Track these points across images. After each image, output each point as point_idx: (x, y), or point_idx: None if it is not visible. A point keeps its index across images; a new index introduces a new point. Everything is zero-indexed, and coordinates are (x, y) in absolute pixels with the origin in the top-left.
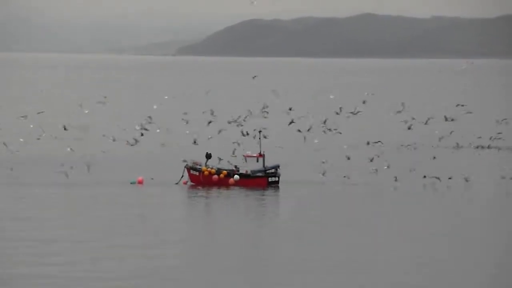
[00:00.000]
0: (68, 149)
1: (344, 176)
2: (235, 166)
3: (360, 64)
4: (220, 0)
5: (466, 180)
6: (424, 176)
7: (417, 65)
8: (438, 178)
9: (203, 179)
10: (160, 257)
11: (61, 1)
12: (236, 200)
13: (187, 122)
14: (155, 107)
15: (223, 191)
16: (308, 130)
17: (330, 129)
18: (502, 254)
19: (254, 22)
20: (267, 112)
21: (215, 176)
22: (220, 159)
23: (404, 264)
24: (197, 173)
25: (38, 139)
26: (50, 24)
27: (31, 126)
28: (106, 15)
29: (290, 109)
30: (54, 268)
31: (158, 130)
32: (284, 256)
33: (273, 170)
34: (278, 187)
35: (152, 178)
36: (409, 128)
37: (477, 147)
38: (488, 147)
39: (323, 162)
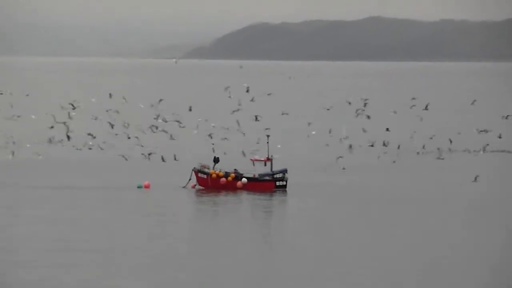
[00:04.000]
0: (73, 153)
1: (351, 179)
2: (235, 169)
3: (367, 67)
4: (228, 4)
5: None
6: (435, 180)
7: (424, 68)
8: (450, 182)
9: (211, 182)
10: (167, 260)
11: (67, 4)
12: (243, 204)
13: (197, 126)
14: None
15: (231, 195)
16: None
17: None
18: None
19: (262, 25)
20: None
21: (223, 179)
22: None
23: (414, 269)
24: (205, 176)
25: (46, 142)
26: (57, 28)
27: (36, 128)
28: (113, 18)
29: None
30: (61, 269)
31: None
32: (292, 261)
33: (280, 174)
34: (285, 191)
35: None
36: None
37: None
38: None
39: (331, 166)
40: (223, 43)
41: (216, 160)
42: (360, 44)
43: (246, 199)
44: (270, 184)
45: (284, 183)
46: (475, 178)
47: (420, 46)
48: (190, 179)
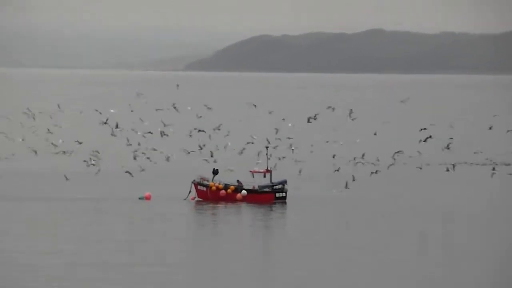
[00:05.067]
0: (76, 164)
1: (351, 191)
2: (237, 181)
3: (368, 80)
4: (230, 16)
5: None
6: (431, 191)
7: (425, 81)
8: (447, 195)
9: (210, 194)
10: (166, 272)
11: (69, 16)
12: (243, 216)
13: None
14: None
15: (230, 207)
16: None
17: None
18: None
19: (263, 37)
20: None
21: (223, 192)
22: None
23: (413, 280)
24: (204, 189)
25: (46, 153)
26: (59, 40)
27: (40, 140)
28: (113, 30)
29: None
30: (60, 281)
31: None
32: (291, 272)
33: (280, 186)
34: (285, 202)
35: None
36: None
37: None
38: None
39: (330, 177)
40: (225, 55)
41: (215, 172)
42: (361, 56)
43: (245, 211)
44: (269, 195)
45: (284, 194)
46: (481, 192)
47: (421, 59)
48: (190, 192)
